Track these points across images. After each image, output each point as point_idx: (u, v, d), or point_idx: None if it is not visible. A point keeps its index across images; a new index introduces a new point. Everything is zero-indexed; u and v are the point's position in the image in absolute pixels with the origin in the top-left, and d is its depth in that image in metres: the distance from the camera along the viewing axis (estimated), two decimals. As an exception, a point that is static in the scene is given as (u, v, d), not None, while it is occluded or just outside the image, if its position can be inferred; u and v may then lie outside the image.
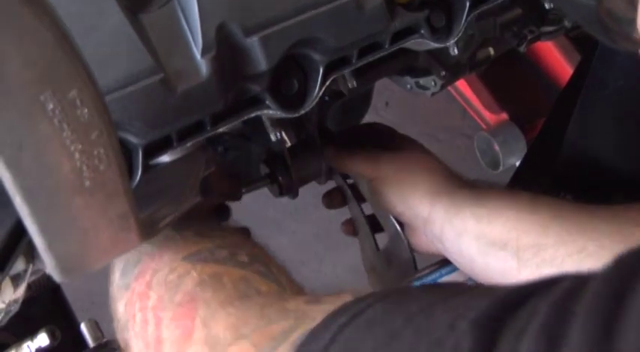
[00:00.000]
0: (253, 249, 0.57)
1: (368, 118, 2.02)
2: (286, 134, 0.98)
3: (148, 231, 0.48)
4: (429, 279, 0.84)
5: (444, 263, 0.81)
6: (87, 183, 0.38)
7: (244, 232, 0.73)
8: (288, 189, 0.88)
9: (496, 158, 1.83)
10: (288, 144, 0.98)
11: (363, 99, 1.30)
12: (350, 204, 0.92)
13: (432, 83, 0.97)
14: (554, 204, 0.69)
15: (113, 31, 0.44)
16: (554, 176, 0.92)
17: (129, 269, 0.58)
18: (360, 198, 0.91)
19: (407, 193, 0.79)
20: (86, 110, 0.35)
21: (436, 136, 2.01)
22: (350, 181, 0.92)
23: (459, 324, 0.29)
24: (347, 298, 0.41)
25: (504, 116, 1.83)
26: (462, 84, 1.87)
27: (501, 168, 1.81)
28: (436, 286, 0.41)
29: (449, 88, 1.18)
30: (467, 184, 0.78)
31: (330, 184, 0.95)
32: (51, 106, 0.33)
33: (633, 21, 0.34)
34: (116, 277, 0.60)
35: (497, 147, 1.81)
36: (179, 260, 0.53)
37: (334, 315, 0.37)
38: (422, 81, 1.00)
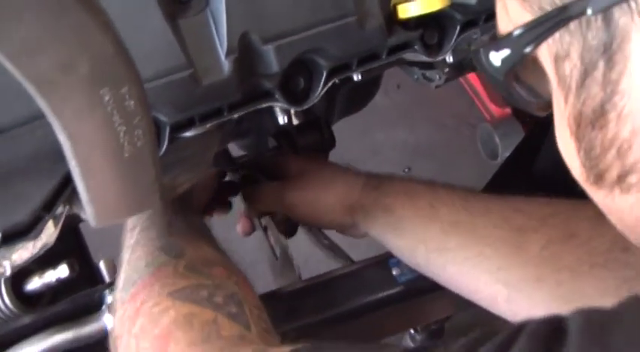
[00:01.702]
0: (233, 286, 0.63)
1: (378, 99, 2.11)
2: (294, 113, 1.09)
3: (167, 193, 0.59)
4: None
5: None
6: (126, 154, 0.50)
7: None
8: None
9: (495, 149, 1.93)
10: (296, 122, 1.09)
11: (371, 83, 1.38)
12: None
13: (437, 76, 1.05)
14: (453, 210, 0.77)
15: (155, 32, 0.55)
16: (531, 177, 1.02)
17: (127, 286, 0.67)
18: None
19: (326, 215, 0.87)
20: (132, 102, 0.46)
21: (442, 122, 2.11)
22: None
23: None
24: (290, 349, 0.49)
25: (508, 110, 1.92)
26: (472, 75, 1.95)
27: (499, 159, 1.90)
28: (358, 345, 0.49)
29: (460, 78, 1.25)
30: (369, 186, 0.84)
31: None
32: (107, 98, 0.44)
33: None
34: (119, 286, 0.69)
35: (497, 140, 1.90)
36: (165, 294, 0.61)
37: None
38: (428, 73, 1.08)
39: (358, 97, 1.34)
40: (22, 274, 0.90)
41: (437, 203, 0.78)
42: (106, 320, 0.81)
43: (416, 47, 0.70)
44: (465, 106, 2.10)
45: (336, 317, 0.92)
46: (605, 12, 0.31)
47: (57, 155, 0.50)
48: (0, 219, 0.56)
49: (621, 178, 0.35)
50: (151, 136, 0.50)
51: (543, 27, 0.33)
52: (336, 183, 0.86)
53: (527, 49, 0.35)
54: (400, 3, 0.66)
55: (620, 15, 0.30)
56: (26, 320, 0.83)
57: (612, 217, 0.38)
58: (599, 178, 0.36)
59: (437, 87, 1.08)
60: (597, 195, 0.38)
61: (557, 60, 0.35)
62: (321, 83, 0.65)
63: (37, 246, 0.70)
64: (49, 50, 0.41)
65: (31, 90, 0.42)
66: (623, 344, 0.28)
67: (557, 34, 0.34)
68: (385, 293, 0.93)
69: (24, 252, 0.70)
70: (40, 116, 0.47)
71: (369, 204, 0.83)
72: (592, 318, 0.30)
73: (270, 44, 0.59)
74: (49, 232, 0.67)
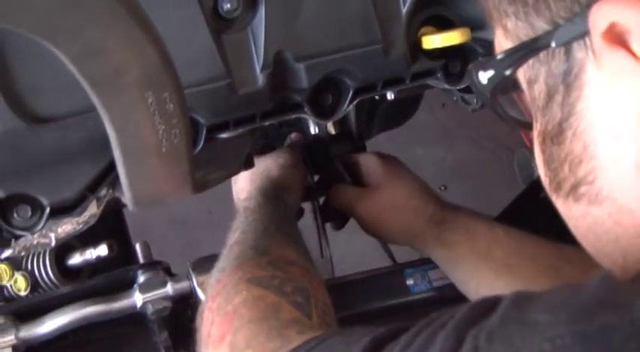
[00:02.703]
0: (305, 283, 0.69)
1: (423, 116, 2.17)
2: (332, 124, 1.16)
3: (199, 187, 0.66)
4: (422, 268, 1.00)
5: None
6: (164, 149, 0.57)
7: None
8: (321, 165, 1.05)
9: (532, 175, 1.96)
10: (333, 132, 1.16)
11: (411, 102, 1.44)
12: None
13: (475, 100, 1.10)
14: (506, 253, 0.82)
15: (201, 44, 0.62)
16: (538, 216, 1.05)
17: (217, 273, 0.75)
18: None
19: (389, 235, 0.95)
20: (172, 105, 0.53)
21: (481, 144, 2.15)
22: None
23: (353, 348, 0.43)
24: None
25: (547, 138, 1.94)
26: (515, 101, 1.98)
27: (533, 185, 1.93)
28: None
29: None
30: (434, 219, 0.90)
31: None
32: (150, 100, 0.52)
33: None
34: (215, 269, 0.77)
35: (534, 166, 1.92)
36: (244, 280, 0.68)
37: (299, 346, 0.51)
38: (466, 96, 1.13)
39: (398, 114, 1.40)
40: (66, 250, 0.98)
41: (494, 245, 0.84)
42: (136, 298, 0.88)
43: (438, 75, 0.76)
44: (505, 130, 2.14)
45: (348, 319, 0.98)
46: (567, 46, 0.37)
47: (104, 144, 0.58)
48: (49, 195, 0.64)
49: (574, 188, 0.40)
50: (186, 136, 0.57)
51: (519, 54, 0.40)
52: (406, 210, 0.92)
53: (507, 72, 0.41)
54: (426, 34, 0.72)
55: (578, 49, 0.36)
56: (64, 290, 0.90)
57: (570, 224, 0.44)
58: (558, 188, 0.42)
59: (473, 110, 1.13)
60: (558, 203, 0.43)
61: (530, 83, 0.41)
62: (348, 100, 0.72)
63: (80, 223, 0.78)
64: (105, 55, 0.49)
65: (87, 87, 0.50)
66: (537, 309, 0.33)
67: (530, 61, 0.40)
68: (397, 301, 0.99)
69: (68, 226, 0.78)
70: (92, 109, 0.54)
71: (431, 238, 0.89)
72: (522, 294, 0.35)
73: (301, 63, 0.66)
74: (92, 211, 0.74)
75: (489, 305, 0.36)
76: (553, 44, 0.37)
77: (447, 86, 0.77)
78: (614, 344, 0.30)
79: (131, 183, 0.59)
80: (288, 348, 0.52)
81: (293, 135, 1.10)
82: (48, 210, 0.65)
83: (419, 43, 0.72)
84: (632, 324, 0.30)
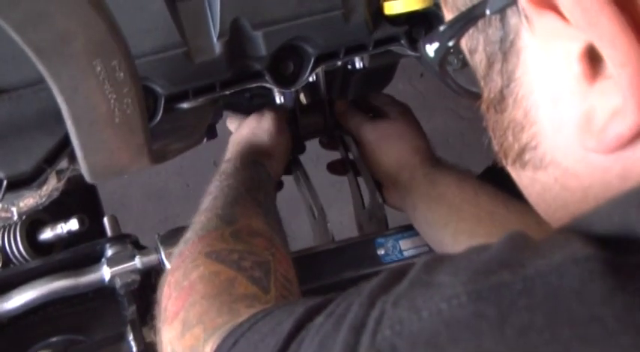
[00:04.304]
0: (267, 256, 0.68)
1: (401, 86, 2.16)
2: (304, 94, 1.15)
3: (157, 158, 0.65)
4: (393, 238, 1.00)
5: (408, 227, 0.98)
6: (117, 119, 0.56)
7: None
8: (294, 138, 1.05)
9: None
10: (304, 102, 1.15)
11: (385, 71, 1.43)
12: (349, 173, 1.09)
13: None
14: (493, 202, 0.82)
15: (155, 11, 0.61)
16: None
17: (182, 244, 0.74)
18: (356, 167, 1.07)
19: (381, 162, 0.96)
20: (122, 73, 0.52)
21: (460, 114, 2.15)
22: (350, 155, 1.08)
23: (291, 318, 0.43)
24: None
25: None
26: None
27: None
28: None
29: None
30: (428, 160, 0.92)
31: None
32: (99, 69, 0.51)
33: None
34: (181, 240, 0.76)
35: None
36: (203, 254, 0.67)
37: (246, 320, 0.51)
38: None
39: (372, 83, 1.39)
40: (37, 224, 0.98)
41: (481, 192, 0.84)
42: (104, 272, 0.88)
43: (402, 42, 0.75)
44: (484, 100, 2.13)
45: (319, 289, 0.98)
46: (501, 13, 0.36)
47: (59, 116, 0.57)
48: (6, 168, 0.63)
49: (519, 155, 0.40)
50: (139, 105, 0.56)
51: (459, 24, 0.39)
52: (406, 144, 0.95)
53: (450, 43, 0.41)
54: (387, 0, 0.71)
55: (511, 15, 0.36)
56: (30, 265, 0.89)
57: (524, 193, 0.44)
58: (506, 156, 0.42)
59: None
60: (510, 171, 0.43)
61: (471, 52, 0.41)
62: (309, 68, 0.71)
63: (42, 196, 0.77)
64: (48, 22, 0.47)
65: (32, 56, 0.49)
66: (444, 272, 0.33)
67: (470, 31, 0.39)
68: (368, 271, 0.99)
69: (30, 200, 0.77)
70: (43, 80, 0.53)
71: (420, 174, 0.90)
72: (434, 257, 0.36)
73: (259, 30, 0.65)
74: (53, 184, 0.74)
75: (403, 270, 0.36)
76: (487, 12, 0.37)
77: (411, 53, 0.76)
78: (505, 300, 0.30)
79: (85, 155, 0.58)
80: (235, 322, 0.51)
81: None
82: (4, 183, 0.64)
83: (381, 8, 0.71)
84: (524, 281, 0.30)
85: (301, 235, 1.15)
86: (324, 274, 0.98)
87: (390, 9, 0.70)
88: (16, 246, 0.98)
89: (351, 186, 1.09)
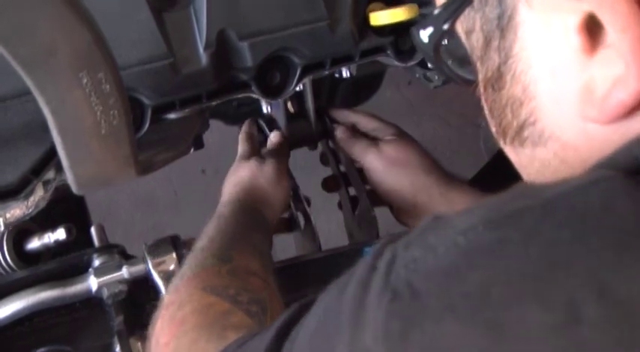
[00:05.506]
0: (263, 295, 0.68)
1: (389, 94, 2.17)
2: (291, 103, 1.15)
3: (144, 168, 0.66)
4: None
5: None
6: (103, 131, 0.56)
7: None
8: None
9: (496, 150, 1.97)
10: (292, 111, 1.15)
11: (373, 79, 1.43)
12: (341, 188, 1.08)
13: (436, 77, 1.10)
14: None
15: (142, 23, 0.61)
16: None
17: (177, 280, 0.73)
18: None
19: (396, 187, 0.94)
20: (108, 86, 0.52)
21: (448, 121, 2.15)
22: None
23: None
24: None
25: (511, 114, 1.95)
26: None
27: (498, 161, 1.94)
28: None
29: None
30: (442, 178, 0.92)
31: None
32: (85, 81, 0.51)
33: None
34: (177, 276, 0.76)
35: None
36: (199, 288, 0.67)
37: (232, 343, 0.51)
38: (429, 73, 1.13)
39: (360, 91, 1.40)
40: (24, 234, 0.97)
41: None
42: (91, 282, 0.87)
43: (388, 52, 0.75)
44: (472, 107, 2.13)
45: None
46: None
47: (46, 127, 0.57)
48: (-8, 180, 0.63)
49: (518, 133, 0.40)
50: (126, 116, 0.57)
51: (454, 5, 0.40)
52: (417, 166, 0.93)
53: (446, 26, 0.41)
54: (374, 11, 0.71)
55: None
56: (16, 275, 0.89)
57: (523, 174, 0.44)
58: (504, 134, 0.42)
59: (435, 87, 1.13)
60: (508, 152, 0.44)
61: (468, 33, 0.41)
62: (295, 79, 0.72)
63: (29, 207, 0.77)
64: (34, 35, 0.47)
65: (18, 68, 0.49)
66: (455, 215, 0.33)
67: (466, 11, 0.40)
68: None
69: (17, 211, 0.77)
70: (30, 91, 0.53)
71: (437, 194, 0.90)
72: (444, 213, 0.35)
73: (245, 41, 0.65)
74: (40, 195, 0.73)
75: (405, 232, 0.36)
76: None
77: (397, 63, 0.77)
78: (527, 223, 0.29)
79: (72, 166, 0.59)
80: (222, 347, 0.51)
81: (272, 136, 1.07)
82: (-10, 194, 0.64)
83: (367, 19, 0.71)
84: (544, 205, 0.30)
85: (290, 243, 1.15)
86: (311, 283, 0.98)
87: (376, 20, 0.70)
88: (3, 256, 0.97)
89: (341, 194, 1.09)
